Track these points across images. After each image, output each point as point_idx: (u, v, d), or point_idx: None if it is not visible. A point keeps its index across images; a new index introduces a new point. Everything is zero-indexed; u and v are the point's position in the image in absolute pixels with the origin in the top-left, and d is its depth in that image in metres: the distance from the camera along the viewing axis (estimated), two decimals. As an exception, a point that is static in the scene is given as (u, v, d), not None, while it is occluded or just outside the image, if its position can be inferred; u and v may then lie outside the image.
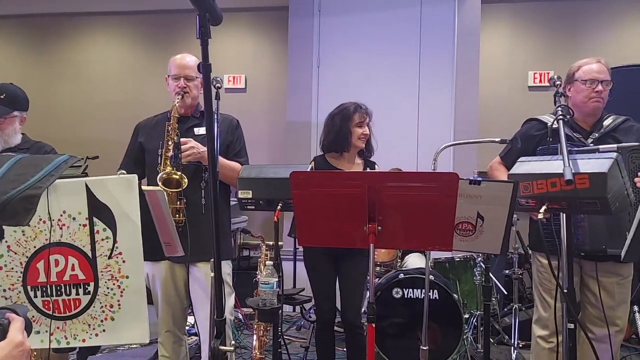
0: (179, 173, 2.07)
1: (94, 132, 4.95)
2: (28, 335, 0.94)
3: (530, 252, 2.36)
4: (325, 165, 2.56)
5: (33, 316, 1.59)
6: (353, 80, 4.42)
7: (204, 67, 1.12)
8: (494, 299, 3.31)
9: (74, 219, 1.61)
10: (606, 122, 2.15)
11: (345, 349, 3.04)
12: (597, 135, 2.12)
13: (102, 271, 1.61)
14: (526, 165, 1.72)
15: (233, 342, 1.89)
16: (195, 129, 2.26)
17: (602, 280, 2.07)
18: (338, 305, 2.62)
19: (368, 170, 2.54)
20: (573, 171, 1.50)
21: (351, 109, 2.53)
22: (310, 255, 2.55)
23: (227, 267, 2.28)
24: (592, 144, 2.07)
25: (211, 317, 1.93)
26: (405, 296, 2.89)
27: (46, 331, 1.60)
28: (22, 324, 0.91)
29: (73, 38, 5.19)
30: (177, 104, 2.17)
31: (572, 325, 1.65)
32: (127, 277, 1.61)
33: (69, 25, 5.17)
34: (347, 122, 2.50)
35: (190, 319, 3.03)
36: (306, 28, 4.55)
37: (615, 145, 1.88)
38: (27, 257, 1.60)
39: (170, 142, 2.10)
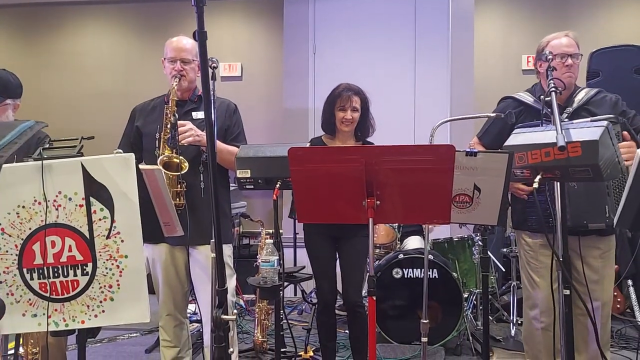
0: (180, 157, 2.06)
1: (86, 122, 4.92)
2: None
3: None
4: (320, 145, 2.56)
5: (29, 299, 1.58)
6: (349, 65, 4.41)
7: (200, 34, 1.11)
8: (492, 277, 3.33)
9: (70, 199, 1.60)
10: (579, 96, 2.13)
11: (346, 331, 3.07)
12: (571, 110, 2.10)
13: (100, 251, 1.60)
14: (521, 137, 1.73)
15: (235, 310, 1.88)
16: (193, 113, 2.24)
17: (584, 255, 2.05)
18: (338, 287, 2.64)
19: None
20: (565, 140, 1.51)
21: (336, 92, 2.51)
22: (310, 237, 2.56)
23: (227, 250, 2.28)
24: (567, 119, 2.05)
25: (212, 289, 1.92)
26: (405, 276, 2.92)
27: (43, 314, 1.59)
28: None
29: (64, 28, 5.13)
30: (174, 87, 2.16)
31: (567, 292, 1.66)
32: (126, 256, 1.60)
33: (59, 15, 5.11)
34: (331, 105, 2.50)
35: (191, 307, 3.04)
36: (301, 14, 4.52)
37: (589, 119, 1.87)
38: (22, 239, 1.59)
39: (168, 125, 2.09)
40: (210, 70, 2.06)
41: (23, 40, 5.18)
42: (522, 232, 2.23)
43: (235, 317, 1.33)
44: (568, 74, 2.08)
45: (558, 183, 1.67)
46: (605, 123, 1.56)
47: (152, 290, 1.78)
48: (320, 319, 2.56)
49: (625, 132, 1.88)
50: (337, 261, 2.57)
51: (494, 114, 2.13)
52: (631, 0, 4.50)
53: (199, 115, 2.24)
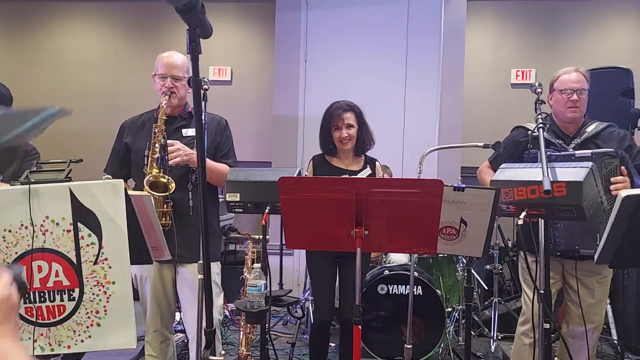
0: (167, 177, 2.05)
1: (72, 123, 4.81)
2: (22, 297, 0.91)
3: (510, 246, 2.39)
4: (324, 164, 2.53)
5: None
6: (340, 75, 4.42)
7: (195, 82, 1.11)
8: (475, 293, 3.39)
9: (57, 224, 1.60)
10: (589, 129, 2.20)
11: (333, 344, 3.10)
12: (579, 141, 2.17)
13: (87, 277, 1.61)
14: (508, 172, 1.76)
15: (223, 352, 1.91)
16: (183, 130, 2.23)
17: (582, 279, 2.13)
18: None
19: (369, 167, 2.52)
20: (551, 179, 1.55)
21: (327, 113, 2.50)
22: (313, 259, 2.53)
23: (215, 268, 2.28)
24: (573, 149, 2.11)
25: (198, 324, 1.96)
26: (390, 292, 2.95)
27: (29, 338, 1.60)
28: (10, 279, 0.87)
29: (49, 25, 5.02)
30: (164, 105, 2.14)
31: (547, 325, 1.71)
32: (114, 282, 1.61)
33: (45, 12, 5.00)
34: (326, 127, 2.50)
35: (177, 315, 3.03)
36: (293, 21, 4.51)
37: (589, 151, 1.93)
38: (8, 263, 1.58)
39: (157, 145, 2.07)
40: (201, 92, 2.06)
41: (6, 36, 5.06)
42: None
43: (223, 357, 1.34)
44: (572, 108, 2.16)
45: (542, 220, 1.71)
46: (590, 164, 1.60)
47: (135, 297, 1.77)
48: (314, 340, 2.56)
49: (622, 167, 1.93)
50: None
51: (482, 144, 2.17)
52: (621, 22, 4.58)
53: (189, 132, 2.23)
